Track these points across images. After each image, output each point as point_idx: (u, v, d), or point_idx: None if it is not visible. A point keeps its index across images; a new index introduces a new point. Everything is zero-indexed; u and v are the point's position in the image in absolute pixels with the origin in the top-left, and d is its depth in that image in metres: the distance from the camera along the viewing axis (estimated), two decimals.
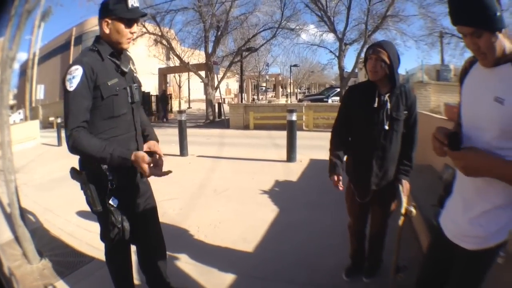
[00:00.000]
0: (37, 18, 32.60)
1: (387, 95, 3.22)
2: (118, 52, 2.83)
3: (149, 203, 3.19)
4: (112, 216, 2.72)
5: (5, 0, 3.53)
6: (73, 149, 2.51)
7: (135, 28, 2.79)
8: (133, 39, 2.86)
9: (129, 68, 2.89)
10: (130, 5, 2.67)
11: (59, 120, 17.75)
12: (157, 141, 3.16)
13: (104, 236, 2.98)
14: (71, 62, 2.69)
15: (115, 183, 2.73)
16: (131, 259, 3.31)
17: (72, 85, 2.52)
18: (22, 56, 56.95)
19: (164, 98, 31.80)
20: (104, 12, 2.71)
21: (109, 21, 2.71)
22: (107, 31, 2.73)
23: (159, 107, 31.88)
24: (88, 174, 2.69)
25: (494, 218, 1.81)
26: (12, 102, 46.88)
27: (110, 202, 2.72)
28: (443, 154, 1.88)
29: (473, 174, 1.75)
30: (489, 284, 1.97)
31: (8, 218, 4.88)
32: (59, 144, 16.28)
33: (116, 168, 2.69)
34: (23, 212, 4.59)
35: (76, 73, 2.54)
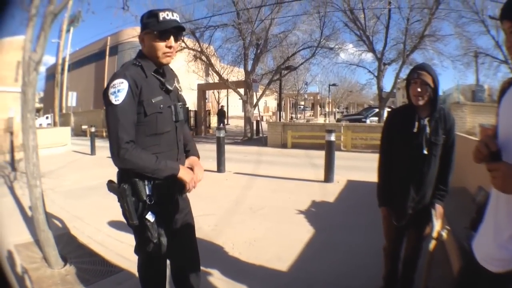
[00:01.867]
0: (64, 22, 33.22)
1: (427, 119, 3.21)
2: (162, 69, 2.84)
3: (187, 219, 3.18)
4: (148, 231, 2.72)
5: None
6: (126, 161, 2.52)
7: (172, 42, 2.73)
8: (175, 53, 2.81)
9: (174, 86, 2.88)
10: (161, 18, 2.65)
11: (93, 129, 18.01)
12: (198, 157, 3.17)
13: (139, 250, 3.01)
14: (112, 74, 2.70)
15: (154, 198, 2.72)
16: (165, 274, 3.26)
17: (118, 99, 2.53)
18: (49, 59, 57.85)
19: (222, 113, 33.03)
20: (141, 27, 2.77)
21: (143, 36, 2.76)
22: (144, 46, 2.79)
23: (199, 122, 32.32)
24: (127, 187, 2.66)
25: None
26: (38, 105, 47.70)
27: (147, 217, 2.70)
28: (480, 161, 1.86)
29: (507, 187, 1.70)
30: None
31: (29, 221, 4.94)
32: (92, 153, 16.55)
33: (157, 184, 2.71)
34: (48, 217, 4.64)
35: (122, 87, 2.55)
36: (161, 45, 2.70)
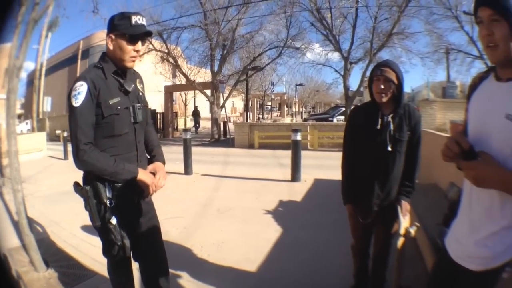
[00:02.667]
0: (44, 28, 32.90)
1: (390, 115, 3.20)
2: (123, 71, 2.83)
3: (152, 223, 3.15)
4: (111, 234, 2.74)
5: (12, 5, 3.57)
6: (84, 163, 2.56)
7: (139, 46, 2.75)
8: (139, 57, 2.82)
9: (133, 88, 2.86)
10: (133, 22, 2.65)
11: (65, 134, 17.90)
12: (164, 163, 3.13)
13: (106, 252, 2.98)
14: (77, 77, 2.71)
15: (114, 201, 2.73)
16: (132, 276, 3.32)
17: (77, 101, 2.55)
18: (29, 65, 57.24)
19: (197, 113, 34.18)
20: (109, 28, 2.73)
21: (113, 37, 2.72)
22: (111, 47, 2.75)
23: (166, 124, 32.22)
24: (89, 189, 2.70)
25: (500, 239, 1.76)
26: (19, 111, 47.04)
27: (110, 219, 2.73)
28: (450, 160, 1.83)
29: (483, 184, 1.69)
30: None
31: (16, 225, 4.94)
32: (66, 158, 16.40)
33: (116, 187, 2.73)
34: (30, 222, 4.66)
35: (81, 89, 2.57)
36: (129, 49, 2.71)
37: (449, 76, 30.07)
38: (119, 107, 2.73)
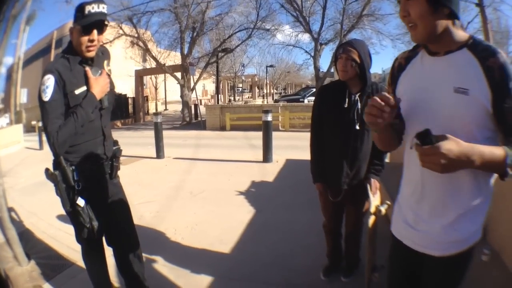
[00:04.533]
0: (22, 22, 32.30)
1: (358, 94, 3.22)
2: (88, 59, 2.82)
3: (121, 205, 3.18)
4: (80, 216, 2.80)
5: None
6: (60, 145, 2.62)
7: (95, 35, 2.69)
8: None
9: (99, 73, 2.85)
10: (87, 11, 2.61)
11: (40, 124, 17.67)
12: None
13: (77, 237, 3.06)
14: (44, 68, 2.72)
15: (81, 183, 2.78)
16: (105, 262, 3.35)
17: (46, 95, 2.60)
18: (8, 60, 56.35)
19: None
20: (74, 19, 2.72)
21: (73, 29, 2.72)
22: (71, 38, 2.78)
23: (137, 108, 31.94)
24: (57, 174, 2.74)
25: (469, 220, 1.71)
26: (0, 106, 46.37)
27: (78, 202, 2.77)
28: (378, 125, 1.66)
29: (452, 169, 1.49)
30: (478, 282, 1.92)
31: None
32: (41, 147, 16.18)
33: (82, 169, 2.80)
34: (10, 216, 4.59)
35: (49, 83, 2.61)
36: (84, 39, 2.68)
37: None
38: (80, 97, 2.74)
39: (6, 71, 58.36)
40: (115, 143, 3.19)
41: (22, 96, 31.97)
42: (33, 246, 5.08)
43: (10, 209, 4.69)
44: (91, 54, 2.78)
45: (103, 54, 3.04)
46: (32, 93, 40.61)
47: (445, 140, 1.45)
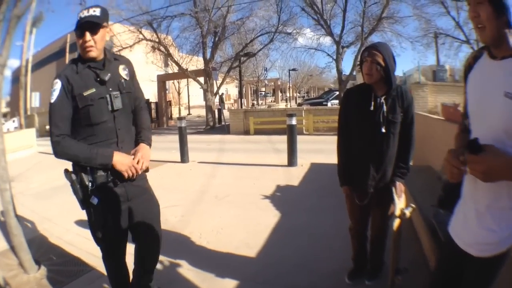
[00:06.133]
0: (28, 24, 32.46)
1: (383, 97, 3.22)
2: (99, 61, 2.96)
3: (145, 206, 3.23)
4: (93, 216, 2.97)
5: None
6: (58, 153, 2.82)
7: (87, 36, 2.80)
8: (98, 46, 2.88)
9: (109, 76, 2.95)
10: (79, 17, 2.79)
11: None
12: (148, 144, 3.21)
13: (94, 238, 3.16)
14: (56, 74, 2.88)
15: (95, 183, 2.88)
16: (124, 264, 3.43)
17: (53, 98, 2.80)
18: (14, 63, 56.77)
19: (221, 99, 32.80)
20: None
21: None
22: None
23: (160, 113, 32.16)
24: (74, 176, 2.90)
25: (506, 222, 1.74)
26: (5, 110, 46.62)
27: (91, 201, 2.88)
28: (458, 177, 1.78)
29: (492, 178, 1.59)
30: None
31: (3, 227, 4.89)
32: None
33: (96, 176, 2.88)
34: (20, 221, 4.56)
35: (56, 86, 2.80)
36: (79, 42, 2.86)
37: (438, 60, 30.13)
38: (92, 98, 2.85)
39: (11, 74, 58.97)
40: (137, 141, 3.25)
41: (34, 100, 32.01)
42: (45, 252, 5.08)
43: (21, 215, 4.68)
44: (91, 54, 2.87)
45: (119, 59, 3.17)
46: (45, 96, 40.89)
47: (490, 151, 1.56)
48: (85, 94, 2.83)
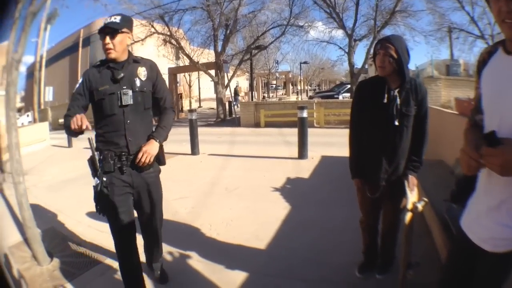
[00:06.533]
0: (42, 21, 32.64)
1: (397, 90, 3.20)
2: (117, 63, 3.38)
3: (145, 199, 3.58)
4: (96, 193, 3.35)
5: (7, 4, 3.66)
6: (65, 127, 3.28)
7: (107, 39, 3.24)
8: (117, 49, 3.30)
9: (122, 76, 3.33)
10: (104, 22, 3.29)
11: None
12: (157, 140, 3.48)
13: (110, 227, 3.49)
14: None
15: (103, 166, 3.33)
16: (136, 254, 3.59)
17: (75, 89, 3.40)
18: (28, 59, 57.14)
19: (236, 91, 34.14)
20: None
21: None
22: None
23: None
24: (89, 159, 3.40)
25: None
26: (19, 104, 47.04)
27: (95, 180, 3.34)
28: (475, 170, 1.73)
29: (510, 172, 1.52)
30: None
31: (17, 220, 4.93)
32: (69, 145, 16.45)
33: (103, 155, 3.35)
34: (33, 214, 4.60)
35: (79, 81, 3.39)
36: (103, 45, 3.30)
37: (452, 54, 29.99)
38: (105, 93, 3.30)
39: (26, 70, 59.47)
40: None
41: (48, 94, 32.31)
42: (58, 244, 5.14)
43: (34, 208, 4.74)
44: (111, 56, 3.30)
45: (139, 62, 3.53)
46: (58, 90, 41.07)
47: (508, 144, 1.51)
48: (99, 89, 3.30)
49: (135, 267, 3.58)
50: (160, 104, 3.65)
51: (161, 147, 3.56)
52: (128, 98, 3.32)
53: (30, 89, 44.48)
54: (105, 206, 3.36)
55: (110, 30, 3.24)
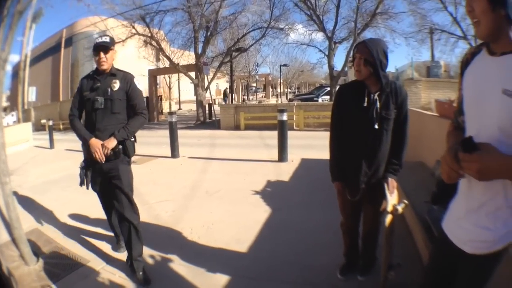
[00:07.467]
0: (28, 19, 32.33)
1: (377, 93, 3.22)
2: (99, 74, 4.27)
3: (115, 180, 4.29)
4: (80, 173, 4.37)
5: None
6: (70, 124, 4.33)
7: (102, 55, 4.14)
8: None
9: (97, 86, 4.20)
10: (95, 41, 4.22)
11: (51, 123, 17.68)
12: (115, 136, 4.16)
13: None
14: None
15: (84, 155, 4.34)
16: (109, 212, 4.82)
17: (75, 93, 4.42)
18: (14, 58, 56.56)
19: (225, 93, 35.58)
20: None
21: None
22: (94, 60, 4.30)
23: (151, 108, 32.15)
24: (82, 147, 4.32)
25: (502, 221, 1.70)
26: (5, 104, 46.58)
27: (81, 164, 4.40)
28: (455, 179, 1.77)
29: (487, 177, 1.57)
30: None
31: (3, 220, 4.89)
32: (51, 146, 16.31)
33: (84, 146, 4.22)
34: (19, 214, 4.60)
35: (78, 87, 4.35)
36: (96, 58, 4.19)
37: (433, 56, 30.27)
38: (86, 98, 4.22)
39: (12, 69, 58.83)
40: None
41: (31, 94, 32.13)
42: (43, 245, 5.13)
43: (19, 208, 4.73)
44: (103, 67, 4.21)
45: (115, 75, 4.32)
46: (41, 91, 40.63)
47: (485, 150, 1.54)
48: (84, 94, 4.23)
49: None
50: (134, 109, 4.37)
51: (128, 142, 4.31)
52: (99, 103, 4.15)
53: (15, 88, 44.03)
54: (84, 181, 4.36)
55: (103, 48, 4.14)
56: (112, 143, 4.11)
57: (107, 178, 4.31)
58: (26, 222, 5.82)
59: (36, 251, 4.72)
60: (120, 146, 4.22)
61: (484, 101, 1.71)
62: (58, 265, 4.51)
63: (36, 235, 5.49)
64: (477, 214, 1.79)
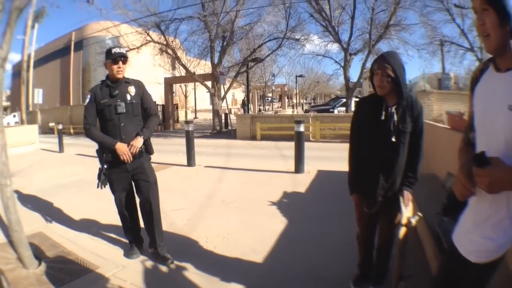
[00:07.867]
0: (29, 18, 32.38)
1: (394, 107, 3.26)
2: (114, 82, 4.55)
3: (140, 177, 4.71)
4: (99, 173, 4.60)
5: None
6: (88, 135, 4.51)
7: (121, 64, 4.46)
8: (124, 70, 4.55)
9: (116, 93, 4.51)
10: (113, 52, 4.43)
11: (60, 126, 17.80)
12: (140, 136, 4.57)
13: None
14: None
15: (105, 156, 4.54)
16: (136, 217, 5.03)
17: (86, 102, 4.58)
18: (15, 57, 56.67)
19: (244, 102, 34.88)
20: (105, 58, 4.55)
21: (107, 63, 4.52)
22: (106, 68, 4.56)
23: (167, 116, 32.32)
24: (97, 152, 4.66)
25: (503, 230, 1.78)
26: (5, 103, 46.62)
27: (100, 166, 4.65)
28: (468, 197, 1.84)
29: (497, 190, 1.63)
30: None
31: (2, 222, 4.90)
32: (61, 150, 16.48)
33: (106, 148, 4.50)
34: (21, 217, 4.59)
35: (89, 96, 4.56)
36: (114, 67, 4.46)
37: (444, 68, 30.25)
38: (105, 104, 4.47)
39: (12, 68, 58.95)
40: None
41: (37, 96, 31.95)
42: (48, 249, 5.13)
43: (23, 210, 4.75)
44: (120, 75, 4.53)
45: (131, 82, 4.70)
46: (48, 93, 40.60)
47: (495, 164, 1.61)
48: (101, 102, 4.46)
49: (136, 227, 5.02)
50: (147, 112, 4.78)
51: (148, 140, 4.74)
52: (121, 108, 4.49)
53: (16, 88, 44.01)
54: (104, 183, 4.58)
55: (122, 58, 4.45)
56: (139, 142, 4.52)
57: (132, 176, 4.70)
58: (30, 225, 5.89)
59: (39, 255, 4.72)
60: (143, 146, 4.64)
61: (491, 117, 1.77)
62: (62, 270, 4.49)
63: (41, 238, 5.51)
64: (483, 226, 1.86)
